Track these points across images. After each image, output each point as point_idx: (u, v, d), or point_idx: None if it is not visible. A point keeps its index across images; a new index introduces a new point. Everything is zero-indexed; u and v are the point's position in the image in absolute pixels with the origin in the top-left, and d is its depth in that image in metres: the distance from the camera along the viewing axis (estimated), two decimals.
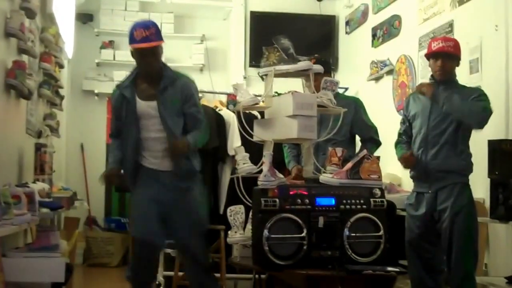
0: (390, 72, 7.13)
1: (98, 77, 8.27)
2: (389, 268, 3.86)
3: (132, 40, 4.29)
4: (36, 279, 4.26)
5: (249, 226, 4.26)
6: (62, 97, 6.72)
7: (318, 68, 4.41)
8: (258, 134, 4.36)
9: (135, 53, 4.36)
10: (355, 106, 5.03)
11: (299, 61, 4.29)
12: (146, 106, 4.37)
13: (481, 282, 4.73)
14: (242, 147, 4.42)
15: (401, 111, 6.80)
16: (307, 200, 3.93)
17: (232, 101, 5.84)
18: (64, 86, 7.06)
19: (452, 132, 4.38)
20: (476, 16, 5.58)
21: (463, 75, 5.47)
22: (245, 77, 8.44)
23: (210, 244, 5.38)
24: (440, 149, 4.41)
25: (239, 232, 4.31)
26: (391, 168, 6.12)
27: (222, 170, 6.19)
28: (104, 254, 8.05)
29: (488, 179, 4.87)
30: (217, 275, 5.47)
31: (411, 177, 4.66)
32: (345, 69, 8.56)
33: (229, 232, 4.39)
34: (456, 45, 4.52)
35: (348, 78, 7.99)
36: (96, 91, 8.37)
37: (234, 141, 5.93)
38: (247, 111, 4.92)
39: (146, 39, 4.24)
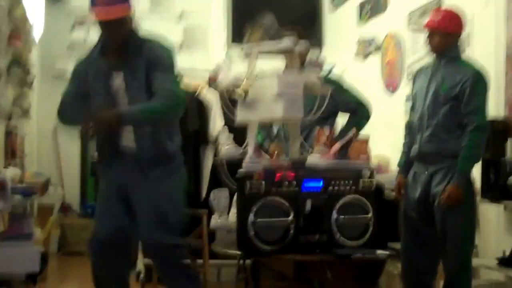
0: (378, 49, 7.18)
1: (70, 57, 8.21)
2: (379, 252, 3.92)
3: (92, 1, 3.86)
4: (10, 269, 4.26)
5: (233, 210, 4.29)
6: (33, 78, 6.69)
7: (303, 47, 4.42)
8: (242, 115, 4.36)
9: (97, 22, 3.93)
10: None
11: (284, 38, 4.30)
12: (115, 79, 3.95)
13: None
14: (226, 127, 4.45)
15: (390, 88, 6.88)
16: (294, 183, 3.96)
17: (213, 82, 5.84)
18: (34, 67, 7.02)
19: (447, 114, 4.33)
20: None
21: None
22: (226, 55, 8.41)
23: (192, 230, 5.42)
24: (433, 132, 4.38)
25: (223, 216, 4.34)
26: (380, 148, 6.17)
27: (204, 153, 6.22)
28: (80, 242, 8.03)
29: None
30: (200, 261, 5.53)
31: (411, 156, 4.64)
32: (331, 46, 8.58)
33: (212, 216, 4.42)
34: (446, 18, 4.42)
35: (335, 56, 8.01)
36: (68, 73, 8.30)
37: (217, 123, 5.96)
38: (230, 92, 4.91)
39: (109, 3, 3.80)
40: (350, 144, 4.14)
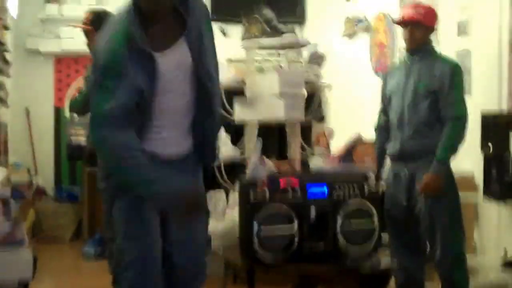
0: (366, 30, 7.12)
1: (43, 34, 8.04)
2: (386, 262, 3.95)
3: None
4: (2, 276, 4.22)
5: (229, 213, 4.29)
6: (9, 63, 6.55)
7: (305, 41, 4.41)
8: (240, 114, 4.34)
9: None
10: None
11: (283, 33, 4.28)
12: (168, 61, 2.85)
13: (471, 263, 4.84)
14: (222, 127, 4.41)
15: (379, 72, 6.86)
16: (298, 190, 3.97)
17: None
18: (10, 50, 6.88)
19: (428, 109, 4.36)
20: None
21: (450, 38, 5.51)
22: None
23: None
24: (416, 129, 4.40)
25: (220, 220, 4.34)
26: (368, 133, 6.16)
27: None
28: (55, 228, 7.97)
29: (479, 152, 4.95)
30: None
31: (388, 155, 4.67)
32: (314, 23, 8.48)
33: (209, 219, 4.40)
34: (428, 13, 4.50)
35: (318, 34, 7.94)
36: (41, 50, 8.17)
37: None
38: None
39: None
40: (355, 147, 4.15)
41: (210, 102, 2.92)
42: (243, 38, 4.31)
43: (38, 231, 7.96)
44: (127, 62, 2.69)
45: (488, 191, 4.96)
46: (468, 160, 4.95)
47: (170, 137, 2.90)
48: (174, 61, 2.83)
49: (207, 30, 2.93)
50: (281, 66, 4.28)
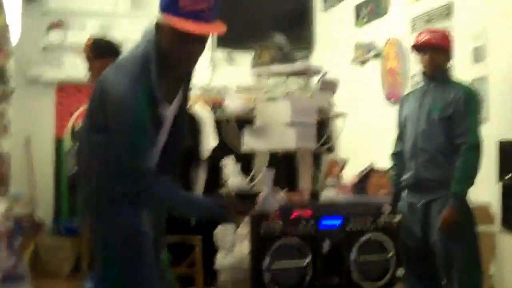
0: (377, 56, 7.03)
1: (45, 62, 7.95)
2: None
3: (178, 9, 2.65)
4: None
5: (239, 247, 4.16)
6: (11, 92, 6.46)
7: (317, 69, 4.30)
8: (250, 143, 4.23)
9: (178, 35, 2.66)
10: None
11: (295, 60, 4.18)
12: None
13: None
14: (232, 157, 4.29)
15: (392, 99, 6.75)
16: (311, 222, 3.84)
17: (218, 106, 5.66)
18: (12, 78, 6.77)
19: (443, 137, 4.28)
20: None
21: (465, 65, 5.41)
22: (211, 60, 8.22)
23: (185, 257, 5.26)
24: (430, 157, 4.31)
25: (229, 255, 4.20)
26: (380, 163, 6.05)
27: (196, 173, 6.04)
28: (53, 262, 7.84)
29: (495, 182, 4.85)
30: None
31: (403, 185, 4.56)
32: (323, 48, 8.40)
33: (217, 255, 4.27)
34: (445, 37, 4.45)
35: (327, 60, 7.84)
36: (43, 78, 8.08)
37: (210, 142, 5.79)
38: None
39: (209, 14, 2.67)
40: (368, 177, 4.02)
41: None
42: (254, 66, 4.20)
43: (37, 265, 7.82)
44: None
45: (507, 222, 4.84)
46: (484, 189, 4.82)
47: None
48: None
49: None
50: (291, 93, 4.16)
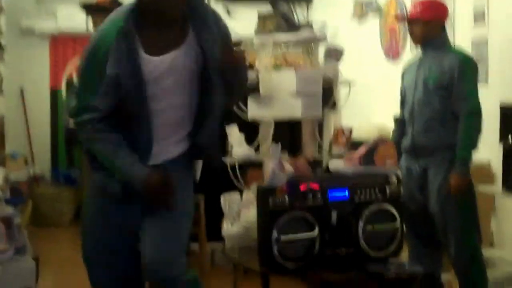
0: (377, 12, 6.98)
1: (39, 13, 7.86)
2: (412, 269, 3.87)
3: None
4: (4, 285, 4.11)
5: (245, 215, 4.19)
6: (3, 48, 6.39)
7: (321, 36, 4.28)
8: (254, 112, 4.22)
9: None
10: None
11: (300, 28, 4.15)
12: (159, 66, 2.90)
13: (488, 256, 4.80)
14: (236, 126, 4.29)
15: (390, 55, 6.74)
16: (319, 195, 3.86)
17: None
18: (3, 30, 6.71)
19: (440, 104, 4.37)
20: None
21: (466, 26, 5.41)
22: None
23: None
24: (426, 124, 4.43)
25: (235, 223, 4.24)
26: (378, 117, 6.07)
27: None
28: (53, 213, 7.91)
29: (496, 142, 4.90)
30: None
31: (401, 148, 4.62)
32: (321, 2, 8.29)
33: (223, 222, 4.32)
34: (427, 7, 4.45)
35: (325, 13, 7.77)
36: (36, 30, 7.99)
37: None
38: None
39: None
40: (377, 148, 4.04)
41: (210, 110, 2.98)
42: (256, 33, 4.17)
43: (37, 216, 7.89)
44: (114, 58, 2.73)
45: (508, 183, 4.92)
46: (485, 149, 4.87)
47: (157, 153, 2.94)
48: (167, 66, 2.84)
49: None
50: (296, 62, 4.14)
